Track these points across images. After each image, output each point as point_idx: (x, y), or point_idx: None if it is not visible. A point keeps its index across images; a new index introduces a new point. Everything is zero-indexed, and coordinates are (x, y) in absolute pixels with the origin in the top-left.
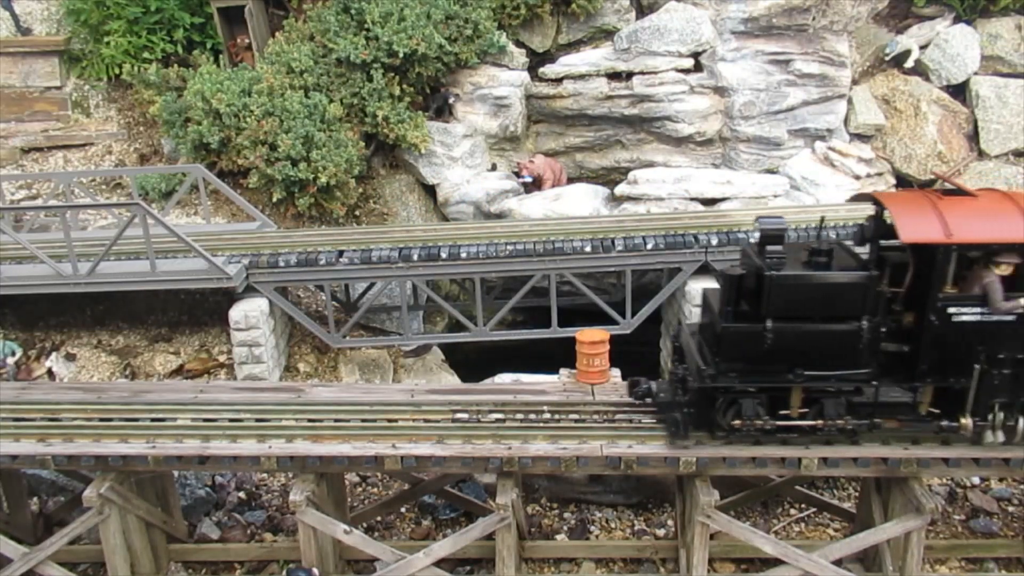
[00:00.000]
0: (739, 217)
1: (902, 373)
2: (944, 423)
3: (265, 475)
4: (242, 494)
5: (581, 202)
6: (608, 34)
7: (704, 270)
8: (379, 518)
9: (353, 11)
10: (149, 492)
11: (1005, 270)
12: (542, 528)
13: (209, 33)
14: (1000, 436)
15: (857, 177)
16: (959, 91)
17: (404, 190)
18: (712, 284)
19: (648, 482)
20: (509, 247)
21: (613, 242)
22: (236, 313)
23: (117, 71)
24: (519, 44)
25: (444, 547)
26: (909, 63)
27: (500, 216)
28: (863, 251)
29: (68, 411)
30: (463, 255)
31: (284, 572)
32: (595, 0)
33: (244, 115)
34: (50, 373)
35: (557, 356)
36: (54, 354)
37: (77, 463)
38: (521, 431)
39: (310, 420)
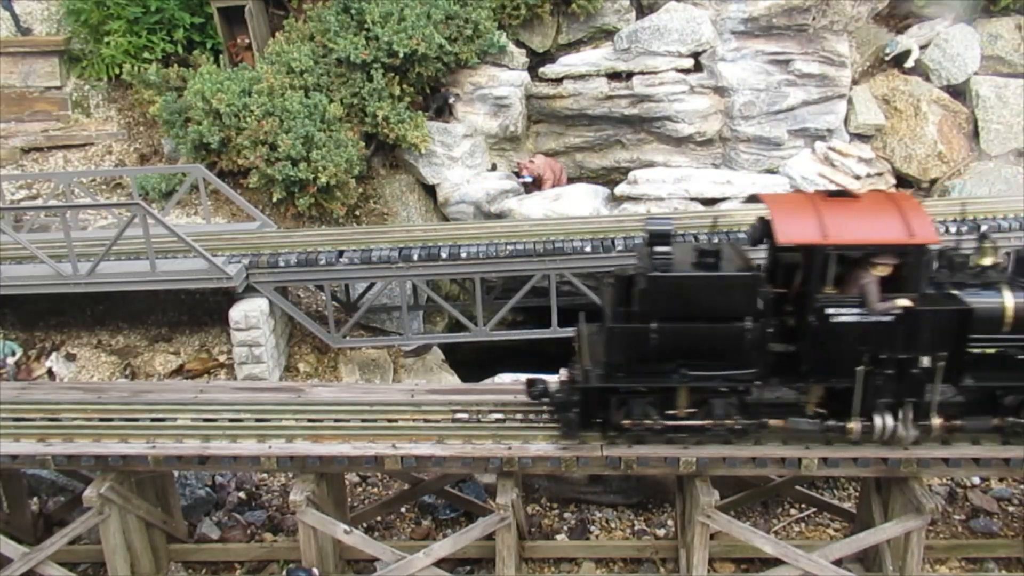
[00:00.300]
0: (739, 217)
1: (790, 373)
2: (831, 423)
3: (265, 475)
4: (242, 494)
5: (581, 202)
6: (608, 34)
7: None
8: (379, 518)
9: (353, 11)
10: (149, 492)
11: (883, 271)
12: (542, 528)
13: (209, 33)
14: (886, 435)
15: (857, 177)
16: (959, 91)
17: (404, 190)
18: None
19: (648, 482)
20: (509, 247)
21: (613, 242)
22: (236, 313)
23: (117, 71)
24: (519, 44)
25: (444, 547)
26: (909, 63)
27: (500, 216)
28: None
29: (68, 411)
30: (463, 255)
31: (284, 572)
32: (595, 0)
33: (244, 115)
34: (50, 373)
35: (557, 356)
36: (54, 354)
37: (77, 463)
38: (521, 431)
39: (310, 420)
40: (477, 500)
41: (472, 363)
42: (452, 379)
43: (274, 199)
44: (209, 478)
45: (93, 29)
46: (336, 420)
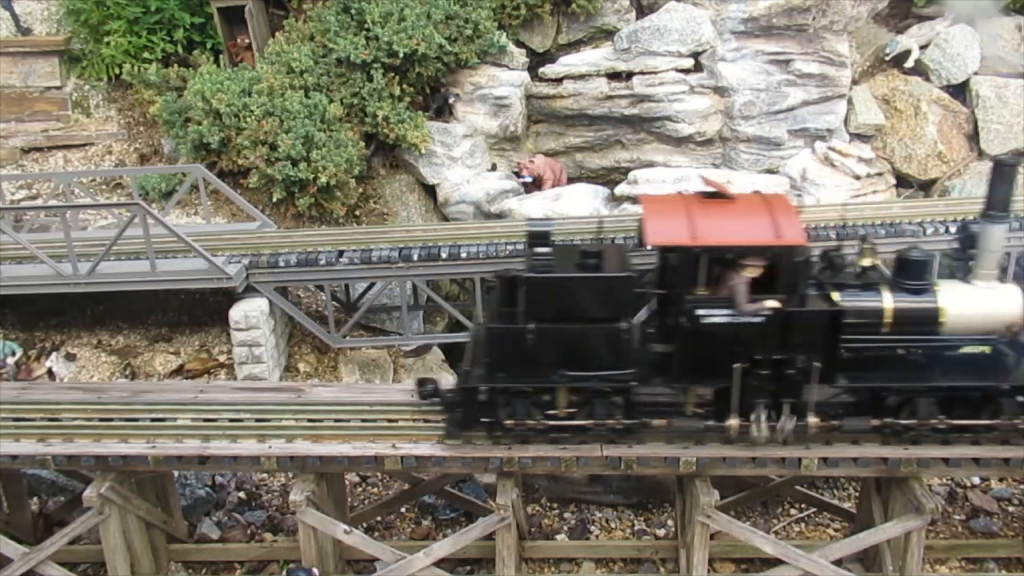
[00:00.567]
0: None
1: (670, 373)
2: (710, 423)
3: (265, 475)
4: (242, 494)
5: (581, 202)
6: (608, 34)
7: None
8: (379, 518)
9: (353, 11)
10: (149, 492)
11: (753, 272)
12: (542, 528)
13: (209, 33)
14: (765, 435)
15: (857, 177)
16: (959, 91)
17: (404, 190)
18: None
19: (648, 482)
20: (509, 247)
21: (613, 242)
22: (236, 313)
23: (117, 71)
24: (519, 44)
25: (444, 547)
26: (909, 63)
27: (500, 216)
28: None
29: (68, 411)
30: (463, 255)
31: (284, 572)
32: (595, 0)
33: (244, 115)
34: (50, 373)
35: None
36: (54, 354)
37: (77, 463)
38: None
39: (310, 420)
40: (477, 500)
41: None
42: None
43: (274, 199)
44: (209, 478)
45: (93, 29)
46: (336, 420)
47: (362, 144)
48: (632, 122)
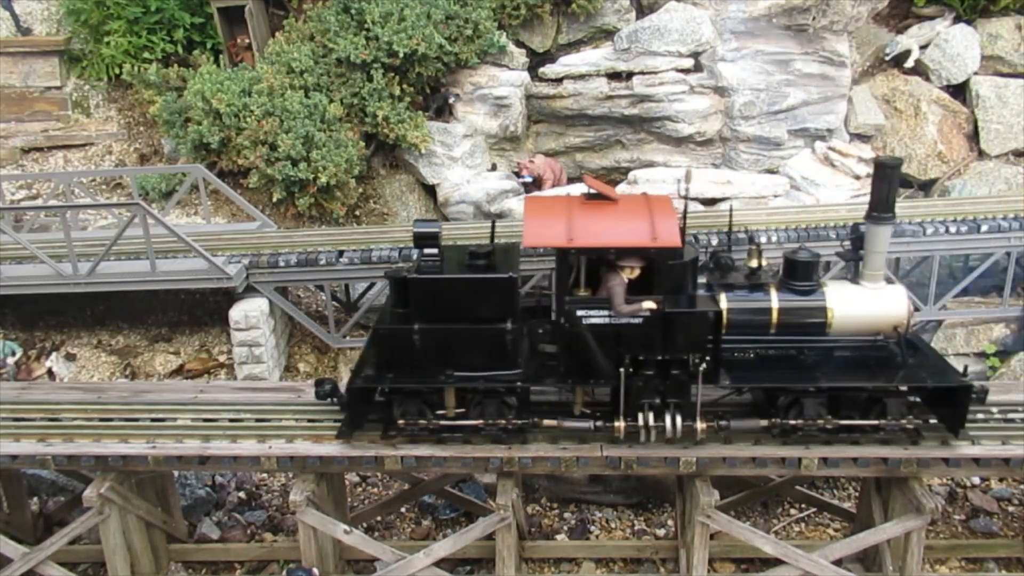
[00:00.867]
0: (739, 217)
1: (558, 374)
2: (598, 424)
3: (265, 475)
4: (242, 494)
5: None
6: (608, 34)
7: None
8: (379, 518)
9: (353, 11)
10: (149, 492)
11: (631, 273)
12: (542, 528)
13: (209, 33)
14: (652, 436)
15: (857, 177)
16: (959, 91)
17: (404, 190)
18: None
19: (648, 482)
20: None
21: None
22: (236, 313)
23: (117, 71)
24: (519, 44)
25: (444, 547)
26: (909, 63)
27: (500, 216)
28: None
29: (68, 411)
30: None
31: (284, 572)
32: (595, 0)
33: (244, 115)
34: (50, 373)
35: None
36: (54, 354)
37: (77, 463)
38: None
39: (310, 420)
40: (477, 500)
41: None
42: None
43: (274, 199)
44: (209, 478)
45: (93, 29)
46: (336, 420)
47: (362, 144)
48: (632, 122)
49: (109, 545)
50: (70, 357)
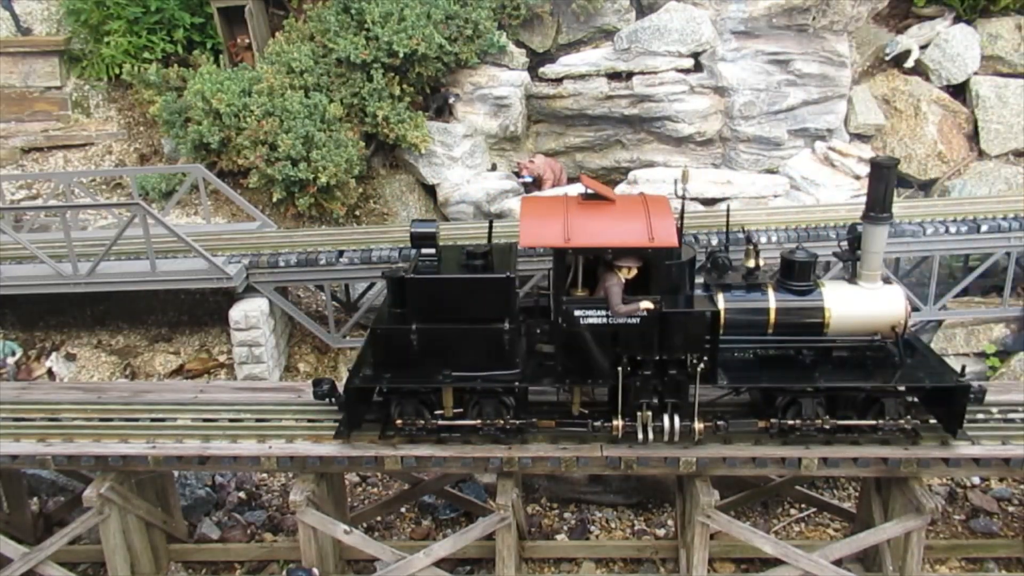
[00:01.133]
0: (739, 217)
1: (555, 374)
2: (597, 423)
3: (265, 475)
4: (242, 494)
5: None
6: (608, 34)
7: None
8: (379, 518)
9: (353, 11)
10: (149, 492)
11: (628, 273)
12: (542, 528)
13: (209, 33)
14: (650, 436)
15: (857, 177)
16: (959, 91)
17: (404, 190)
18: None
19: (648, 482)
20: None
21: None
22: (236, 313)
23: (117, 71)
24: (519, 44)
25: (444, 547)
26: (909, 63)
27: (500, 216)
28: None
29: (68, 411)
30: None
31: (284, 572)
32: (595, 0)
33: (244, 115)
34: (50, 373)
35: None
36: (54, 354)
37: (77, 463)
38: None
39: (310, 420)
40: (477, 500)
41: None
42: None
43: (274, 199)
44: (209, 478)
45: (93, 29)
46: (335, 420)
47: (362, 144)
48: (632, 122)
49: (109, 545)
50: (70, 357)
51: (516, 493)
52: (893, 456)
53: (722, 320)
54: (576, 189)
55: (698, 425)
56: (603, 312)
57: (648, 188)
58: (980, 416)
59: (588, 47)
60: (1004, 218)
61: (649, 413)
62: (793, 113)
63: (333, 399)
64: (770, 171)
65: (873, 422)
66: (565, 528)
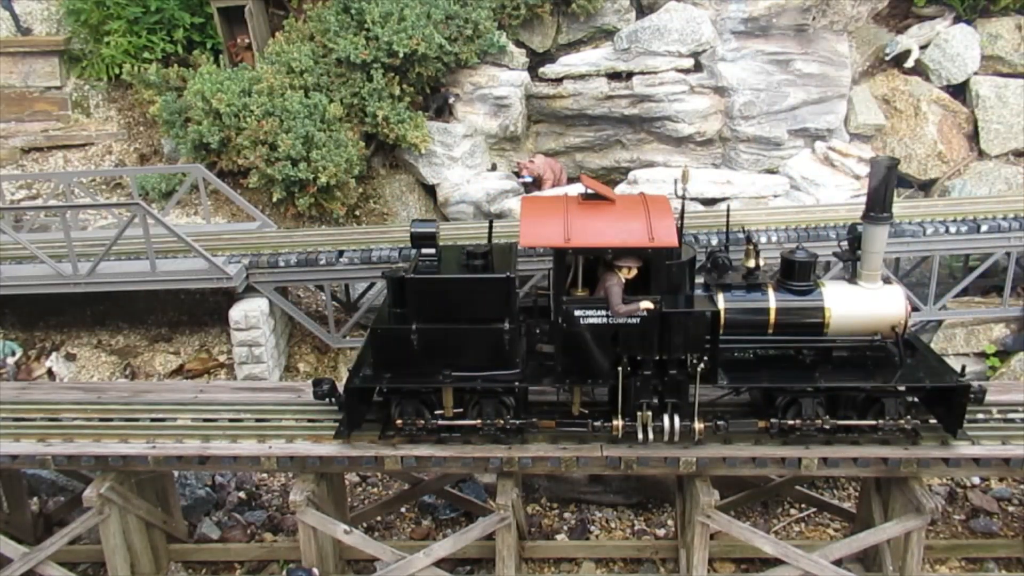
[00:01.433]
0: (739, 217)
1: (555, 374)
2: (597, 423)
3: (265, 475)
4: (242, 494)
5: None
6: (608, 34)
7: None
8: (379, 518)
9: (353, 11)
10: (149, 492)
11: (628, 273)
12: (542, 528)
13: (209, 33)
14: (651, 436)
15: (857, 177)
16: (959, 91)
17: (404, 190)
18: None
19: (648, 482)
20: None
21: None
22: (236, 313)
23: (117, 71)
24: (519, 44)
25: (444, 547)
26: (909, 63)
27: (500, 216)
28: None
29: (68, 411)
30: None
31: (284, 572)
32: (595, 0)
33: (244, 115)
34: (50, 373)
35: None
36: (54, 354)
37: (77, 463)
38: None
39: (310, 420)
40: (477, 500)
41: None
42: None
43: (274, 199)
44: (209, 478)
45: (93, 29)
46: (335, 420)
47: (362, 144)
48: (632, 122)
49: (109, 545)
50: (70, 357)
51: (516, 493)
52: (893, 456)
53: (722, 320)
54: (576, 189)
55: (698, 425)
56: (603, 312)
57: (648, 188)
58: (980, 416)
59: (588, 47)
60: (1004, 218)
61: (649, 413)
62: (793, 113)
63: (333, 399)
64: (770, 171)
65: (873, 422)
66: (565, 528)
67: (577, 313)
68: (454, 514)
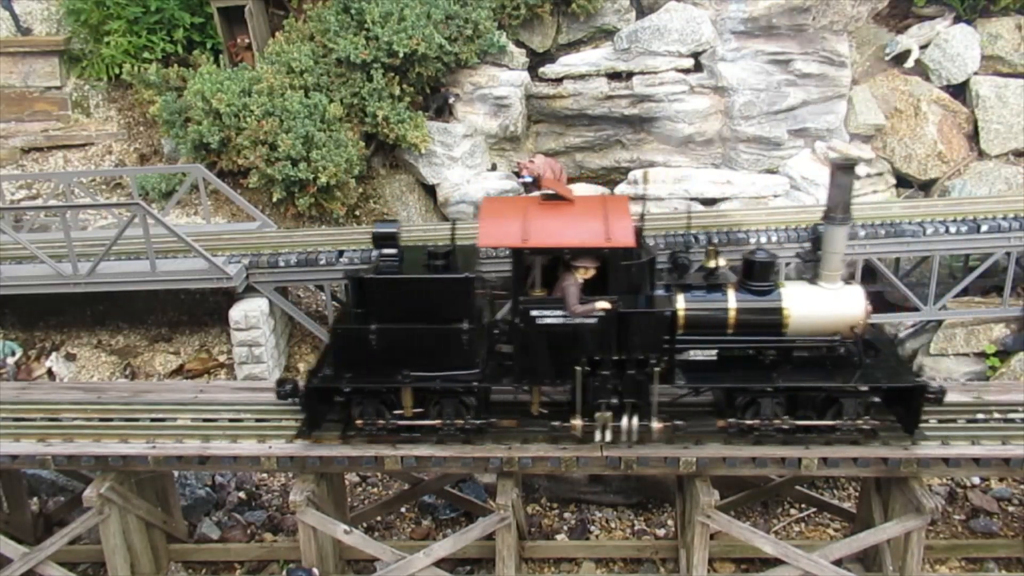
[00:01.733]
0: (739, 217)
1: (514, 374)
2: (556, 423)
3: (265, 475)
4: (242, 494)
5: None
6: (608, 34)
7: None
8: (379, 518)
9: (353, 11)
10: (149, 492)
11: (585, 274)
12: (542, 528)
13: (209, 33)
14: (608, 436)
15: (857, 177)
16: (959, 91)
17: (404, 190)
18: None
19: (648, 482)
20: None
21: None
22: (236, 313)
23: (117, 71)
24: (519, 44)
25: (444, 547)
26: (909, 63)
27: None
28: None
29: (68, 411)
30: None
31: (284, 572)
32: (595, 0)
33: (244, 115)
34: (50, 373)
35: None
36: (54, 354)
37: (77, 463)
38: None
39: None
40: (477, 500)
41: None
42: None
43: (274, 199)
44: (209, 478)
45: (93, 29)
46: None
47: (362, 144)
48: (632, 122)
49: (109, 545)
50: (70, 357)
51: (516, 493)
52: (893, 456)
53: (682, 320)
54: (576, 189)
55: (656, 425)
56: (560, 312)
57: (648, 188)
58: (980, 416)
59: (588, 47)
60: (1004, 218)
61: (609, 413)
62: (793, 113)
63: (296, 399)
64: (770, 171)
65: (831, 422)
66: (565, 528)
67: (534, 313)
68: (454, 514)
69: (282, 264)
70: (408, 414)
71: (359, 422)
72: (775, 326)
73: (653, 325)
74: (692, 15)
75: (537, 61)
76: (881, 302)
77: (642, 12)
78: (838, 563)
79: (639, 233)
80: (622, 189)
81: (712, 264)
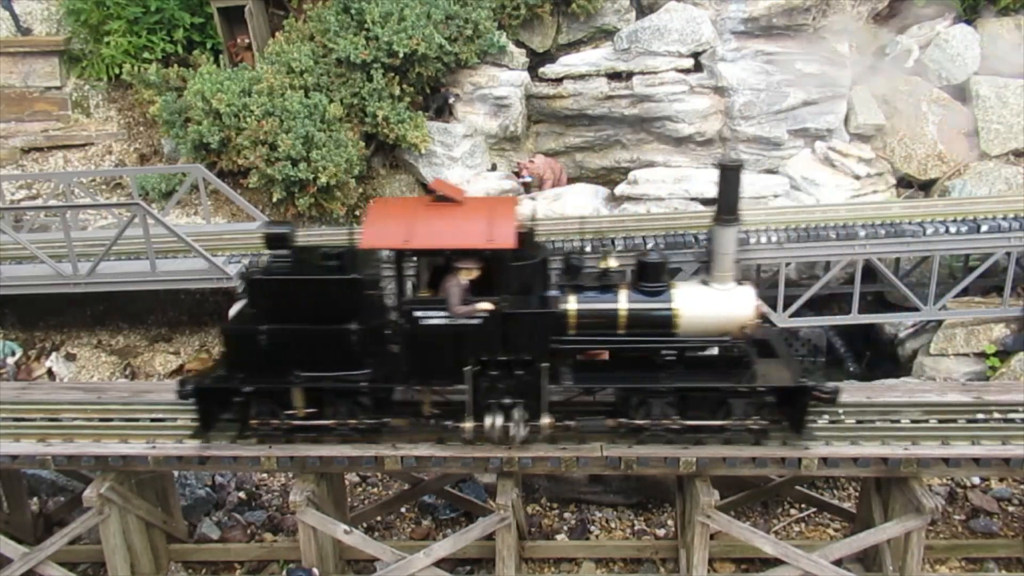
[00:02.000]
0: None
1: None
2: (448, 423)
3: (265, 475)
4: (242, 494)
5: (581, 202)
6: (608, 34)
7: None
8: (379, 518)
9: (353, 11)
10: (149, 492)
11: (468, 275)
12: (542, 528)
13: (209, 33)
14: (496, 436)
15: (857, 177)
16: (959, 91)
17: (404, 190)
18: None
19: (648, 482)
20: None
21: (613, 242)
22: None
23: (117, 71)
24: (519, 44)
25: (444, 547)
26: (909, 63)
27: None
28: None
29: (68, 411)
30: None
31: (284, 572)
32: (595, 0)
33: (244, 115)
34: (50, 373)
35: None
36: (54, 354)
37: (77, 463)
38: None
39: None
40: (477, 500)
41: None
42: None
43: (274, 199)
44: (209, 478)
45: (93, 29)
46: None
47: (362, 144)
48: (632, 122)
49: (109, 545)
50: (70, 357)
51: (516, 493)
52: (893, 456)
53: (573, 321)
54: (576, 189)
55: (545, 420)
56: (444, 313)
57: (648, 188)
58: (980, 416)
59: (588, 47)
60: (1004, 218)
61: (501, 413)
62: (793, 113)
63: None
64: (770, 171)
65: (720, 422)
66: (565, 528)
67: (417, 314)
68: (454, 514)
69: None
70: (300, 414)
71: (254, 422)
72: (666, 326)
73: (538, 325)
74: (692, 15)
75: (537, 61)
76: (881, 302)
77: (642, 12)
78: (838, 563)
79: (529, 235)
80: (622, 189)
81: (605, 264)
